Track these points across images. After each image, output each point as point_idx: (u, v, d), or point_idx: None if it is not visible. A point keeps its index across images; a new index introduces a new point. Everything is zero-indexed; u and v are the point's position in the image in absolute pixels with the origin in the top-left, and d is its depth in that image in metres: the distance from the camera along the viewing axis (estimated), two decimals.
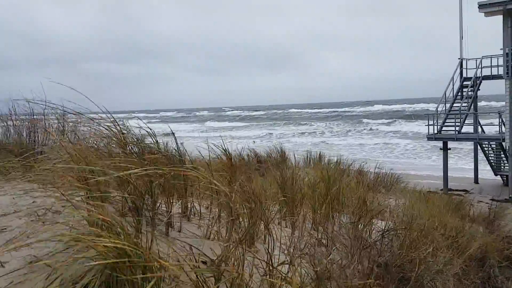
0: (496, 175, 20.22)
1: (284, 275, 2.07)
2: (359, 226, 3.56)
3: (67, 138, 3.49)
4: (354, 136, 46.85)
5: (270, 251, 2.38)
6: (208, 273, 1.75)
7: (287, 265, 2.25)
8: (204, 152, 3.22)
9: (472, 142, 20.77)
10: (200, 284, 1.64)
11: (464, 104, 19.08)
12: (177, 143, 2.75)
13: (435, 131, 18.76)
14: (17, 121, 4.62)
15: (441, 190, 16.43)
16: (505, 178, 19.55)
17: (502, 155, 19.65)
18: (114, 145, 2.53)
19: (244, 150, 9.88)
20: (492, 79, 19.16)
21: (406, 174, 10.88)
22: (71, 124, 3.73)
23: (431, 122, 18.81)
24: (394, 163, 22.88)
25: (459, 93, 19.68)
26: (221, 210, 2.61)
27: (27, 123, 4.55)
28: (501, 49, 16.94)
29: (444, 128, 19.18)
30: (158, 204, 2.31)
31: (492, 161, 20.22)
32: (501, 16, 16.51)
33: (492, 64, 19.10)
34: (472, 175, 20.16)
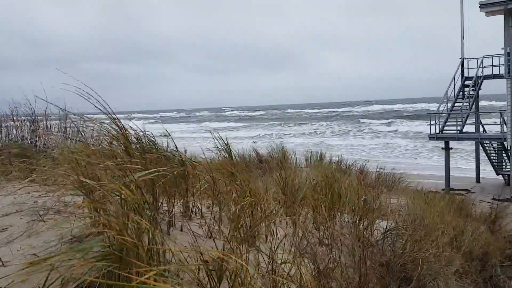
0: (497, 174, 20.19)
1: (286, 273, 2.06)
2: (361, 225, 3.55)
3: (69, 139, 3.50)
4: (354, 136, 46.83)
5: (271, 250, 2.38)
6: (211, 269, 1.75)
7: (289, 264, 2.25)
8: (204, 152, 3.22)
9: (473, 142, 20.75)
10: (203, 281, 1.63)
11: (465, 104, 19.06)
12: (175, 144, 2.75)
13: (437, 131, 18.74)
14: (19, 122, 4.63)
15: (443, 189, 16.41)
16: (506, 178, 19.53)
17: (504, 155, 19.63)
18: (116, 145, 2.53)
19: (245, 150, 9.88)
20: (493, 78, 19.14)
21: (407, 173, 10.87)
22: (72, 124, 3.74)
23: (432, 122, 18.80)
24: (395, 163, 22.86)
25: (461, 93, 19.66)
26: (222, 209, 2.61)
27: (28, 123, 4.56)
28: (502, 48, 16.92)
29: (445, 128, 19.17)
30: (159, 203, 2.31)
31: (493, 160, 20.19)
32: (502, 15, 16.49)
33: (493, 64, 19.08)
34: (473, 174, 20.14)
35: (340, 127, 54.99)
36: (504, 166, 20.04)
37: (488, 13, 16.81)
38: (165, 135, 2.85)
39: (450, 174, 18.10)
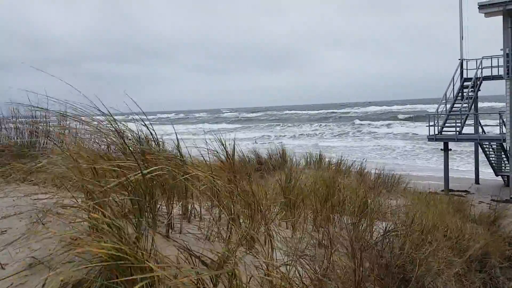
0: (497, 175, 20.21)
1: (284, 275, 2.06)
2: (360, 227, 3.55)
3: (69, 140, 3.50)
4: (354, 137, 46.86)
5: (270, 252, 2.38)
6: (207, 275, 1.75)
7: (288, 266, 2.25)
8: (201, 153, 3.22)
9: (472, 143, 20.77)
10: (199, 284, 1.64)
11: (464, 105, 19.08)
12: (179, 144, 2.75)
13: (436, 132, 18.76)
14: (19, 124, 4.63)
15: (442, 190, 16.42)
16: (506, 179, 19.54)
17: (503, 156, 19.65)
18: (114, 147, 2.53)
19: (244, 151, 9.88)
20: (493, 79, 19.16)
21: (406, 175, 10.87)
22: (72, 126, 3.73)
23: (431, 123, 18.81)
24: (394, 164, 22.86)
25: (460, 94, 19.68)
26: (221, 211, 2.61)
27: (28, 125, 4.55)
28: (501, 49, 16.94)
29: (444, 129, 19.18)
30: (158, 206, 2.31)
31: (493, 161, 20.20)
32: (501, 16, 16.51)
33: (493, 65, 19.11)
34: (472, 175, 20.15)
35: (340, 128, 55.00)
36: (503, 167, 20.06)
37: (487, 14, 16.84)
38: (165, 136, 2.85)
39: (449, 175, 18.10)
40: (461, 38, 19.48)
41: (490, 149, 20.12)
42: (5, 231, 1.95)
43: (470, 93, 19.23)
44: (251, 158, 10.08)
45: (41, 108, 2.80)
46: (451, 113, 19.16)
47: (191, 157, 3.07)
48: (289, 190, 3.86)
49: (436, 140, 18.91)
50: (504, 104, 17.34)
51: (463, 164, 24.51)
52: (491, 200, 14.41)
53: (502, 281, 5.99)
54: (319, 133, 52.39)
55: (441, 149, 18.86)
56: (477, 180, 19.69)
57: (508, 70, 16.34)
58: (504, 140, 17.20)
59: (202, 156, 3.07)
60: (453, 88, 19.62)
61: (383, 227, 3.75)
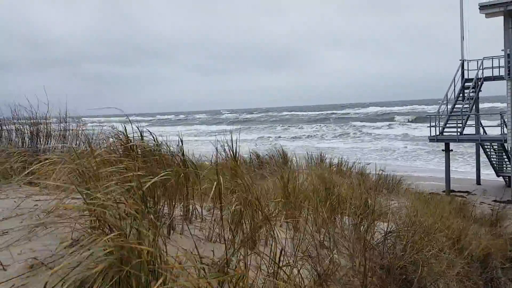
0: (498, 176, 20.17)
1: (287, 276, 2.06)
2: (362, 228, 3.55)
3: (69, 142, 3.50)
4: (354, 138, 46.82)
5: (272, 253, 2.38)
6: (212, 276, 1.75)
7: (290, 267, 2.25)
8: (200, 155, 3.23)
9: (473, 144, 20.74)
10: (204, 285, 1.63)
11: (465, 106, 19.06)
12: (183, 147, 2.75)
13: (437, 133, 18.74)
14: (20, 125, 4.63)
15: (443, 191, 16.40)
16: (507, 179, 19.51)
17: (504, 156, 19.62)
18: (118, 149, 2.53)
19: (245, 152, 9.87)
20: (494, 80, 19.14)
21: (407, 175, 10.87)
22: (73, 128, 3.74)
23: (433, 124, 18.79)
24: (394, 165, 22.85)
25: (461, 95, 19.66)
26: (223, 212, 2.61)
27: (29, 126, 4.56)
28: (502, 50, 16.93)
29: (446, 130, 19.16)
30: (160, 206, 2.31)
31: (494, 162, 20.17)
32: (502, 17, 16.51)
33: (494, 65, 19.09)
34: (474, 176, 20.12)
35: (340, 129, 54.96)
36: (504, 168, 20.03)
37: (488, 15, 16.83)
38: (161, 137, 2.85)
39: (451, 176, 18.08)
40: (462, 38, 19.47)
41: (491, 150, 20.10)
42: (7, 232, 1.95)
43: (471, 94, 19.22)
44: (252, 159, 10.08)
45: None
46: (452, 113, 19.15)
47: (192, 158, 3.07)
48: (290, 190, 3.85)
49: (437, 141, 18.89)
50: (505, 104, 17.33)
51: (464, 165, 24.48)
52: (493, 201, 14.39)
53: (504, 282, 5.98)
54: (319, 134, 52.34)
55: (442, 150, 18.84)
56: (478, 181, 19.66)
57: (509, 70, 16.33)
58: (505, 141, 17.18)
59: (202, 156, 3.07)
60: (454, 89, 19.62)
61: (384, 228, 3.74)
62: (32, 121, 4.57)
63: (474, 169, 20.36)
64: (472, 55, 19.99)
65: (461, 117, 18.58)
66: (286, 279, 2.09)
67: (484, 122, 21.44)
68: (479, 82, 19.27)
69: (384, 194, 7.50)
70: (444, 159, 18.57)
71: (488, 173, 20.45)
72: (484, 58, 19.37)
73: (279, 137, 51.93)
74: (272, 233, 2.73)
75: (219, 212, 2.64)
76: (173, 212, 2.36)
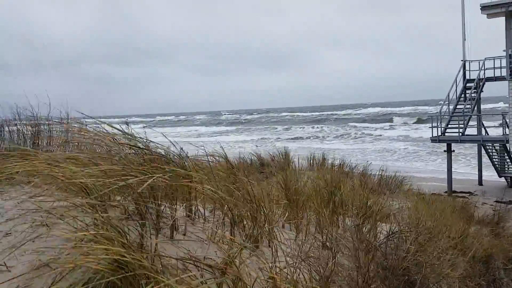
0: (500, 176, 20.15)
1: (289, 277, 2.06)
2: (364, 229, 3.54)
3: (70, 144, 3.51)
4: (355, 139, 46.79)
5: (274, 254, 2.38)
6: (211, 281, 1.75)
7: (292, 268, 2.25)
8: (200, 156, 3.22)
9: (475, 144, 20.71)
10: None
11: (467, 106, 19.04)
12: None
13: (439, 133, 18.71)
14: (21, 126, 4.65)
15: (445, 192, 16.37)
16: (509, 180, 19.49)
17: (506, 157, 19.59)
18: (116, 150, 2.53)
19: (246, 153, 9.88)
20: (495, 80, 19.13)
21: (409, 176, 10.86)
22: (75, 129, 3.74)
23: (434, 124, 18.77)
24: (396, 166, 22.83)
25: (463, 95, 19.64)
26: (225, 214, 2.61)
27: (30, 127, 4.57)
28: (504, 50, 16.92)
29: (448, 130, 19.14)
30: (162, 208, 2.31)
31: (496, 162, 20.14)
32: (504, 17, 16.50)
33: (495, 66, 19.07)
34: (476, 177, 20.08)
35: (341, 130, 54.92)
36: (506, 168, 20.00)
37: (490, 15, 16.83)
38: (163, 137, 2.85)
39: (452, 177, 18.05)
40: (464, 39, 19.46)
41: (493, 151, 20.07)
42: (10, 233, 1.95)
43: (472, 94, 19.19)
44: (253, 160, 10.08)
45: None
46: (454, 114, 19.13)
47: (193, 159, 3.07)
48: (292, 191, 3.85)
49: (439, 141, 18.88)
50: (507, 105, 17.30)
51: (465, 166, 24.44)
52: (495, 201, 14.36)
53: (506, 283, 5.97)
54: (320, 135, 52.30)
55: (444, 151, 18.82)
56: (480, 182, 19.63)
57: (510, 71, 16.32)
58: (507, 141, 17.16)
59: (205, 158, 3.07)
60: (456, 89, 19.60)
61: (387, 229, 3.74)
62: (33, 122, 4.58)
63: (476, 170, 20.34)
64: (474, 56, 20.02)
65: (463, 117, 18.56)
66: (288, 280, 2.09)
67: (486, 123, 21.41)
68: (481, 83, 19.25)
69: (387, 195, 7.49)
70: (445, 159, 18.56)
71: (490, 174, 20.43)
72: (485, 59, 19.37)
73: (280, 138, 51.92)
74: (273, 235, 2.73)
75: (221, 213, 2.64)
76: (175, 213, 2.36)
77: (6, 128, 4.68)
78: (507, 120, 17.43)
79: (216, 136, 57.90)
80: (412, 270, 3.16)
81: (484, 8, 16.73)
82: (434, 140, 18.98)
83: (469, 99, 19.16)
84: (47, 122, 4.51)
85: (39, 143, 4.37)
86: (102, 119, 2.61)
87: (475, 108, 19.39)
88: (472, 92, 19.18)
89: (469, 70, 19.88)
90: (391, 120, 59.43)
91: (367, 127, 55.17)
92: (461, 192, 16.88)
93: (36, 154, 2.30)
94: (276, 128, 65.19)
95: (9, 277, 1.55)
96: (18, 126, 4.67)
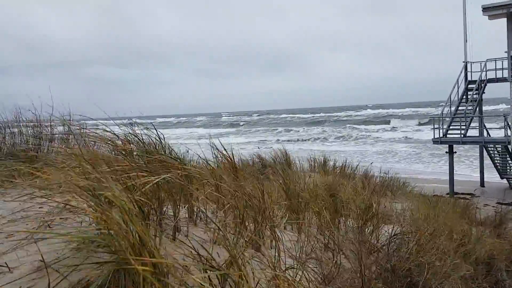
0: (502, 178, 20.10)
1: (291, 279, 2.05)
2: (366, 230, 3.54)
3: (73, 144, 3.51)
4: (356, 140, 46.72)
5: (276, 255, 2.37)
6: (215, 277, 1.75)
7: (294, 270, 2.24)
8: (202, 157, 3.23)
9: (476, 146, 20.67)
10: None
11: (469, 107, 19.02)
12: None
13: (441, 135, 18.69)
14: (23, 127, 4.65)
15: (447, 193, 16.34)
16: (511, 181, 19.44)
17: (508, 158, 19.56)
18: (119, 150, 2.54)
19: (247, 155, 9.87)
20: (497, 82, 19.11)
21: (411, 178, 10.85)
22: (76, 130, 3.74)
23: (436, 126, 18.75)
24: (398, 167, 22.80)
25: (464, 97, 19.62)
26: (227, 215, 2.60)
27: (32, 129, 4.58)
28: (505, 52, 16.91)
29: (449, 132, 19.11)
30: (164, 209, 2.31)
31: (498, 164, 20.10)
32: (505, 19, 16.48)
33: (497, 67, 19.05)
34: (477, 178, 20.05)
35: (342, 132, 54.86)
36: (508, 170, 19.96)
37: (491, 17, 16.82)
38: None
39: (454, 178, 18.01)
40: (465, 40, 19.43)
41: (495, 152, 20.03)
42: (12, 234, 1.95)
43: (474, 96, 19.17)
44: (255, 161, 10.08)
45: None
46: (456, 115, 19.10)
47: (194, 161, 3.08)
48: (294, 193, 3.85)
49: (441, 143, 18.84)
50: (509, 106, 17.28)
51: (467, 167, 24.39)
52: (497, 203, 14.33)
53: (508, 285, 5.94)
54: (321, 137, 52.24)
55: (446, 152, 18.79)
56: (482, 183, 19.60)
57: None
58: (509, 143, 17.13)
59: (206, 160, 3.07)
60: (458, 91, 19.58)
61: (389, 230, 3.73)
62: (35, 123, 4.59)
63: (478, 172, 20.30)
64: (475, 57, 19.96)
65: (464, 119, 18.53)
66: (290, 281, 2.08)
67: (487, 125, 21.38)
68: (483, 84, 19.23)
69: (389, 196, 7.47)
70: (447, 161, 18.53)
71: (492, 175, 20.39)
72: (487, 60, 19.34)
73: (280, 139, 51.85)
74: (275, 236, 2.73)
75: (223, 214, 2.63)
76: (178, 214, 2.36)
77: (8, 130, 4.69)
78: (509, 122, 17.40)
79: (217, 137, 57.80)
80: (414, 272, 3.15)
81: (485, 9, 16.71)
82: (436, 141, 18.95)
83: (471, 101, 19.15)
84: (48, 124, 4.52)
85: (41, 144, 4.38)
86: (102, 121, 2.61)
87: (477, 109, 19.37)
88: (474, 93, 19.16)
89: (471, 72, 19.86)
90: (392, 122, 59.40)
91: (368, 129, 55.12)
92: (463, 193, 16.85)
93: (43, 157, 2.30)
94: (277, 130, 65.16)
95: (12, 278, 1.55)
96: (20, 128, 4.67)
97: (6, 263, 1.64)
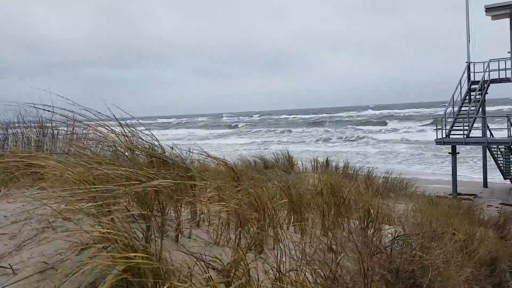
0: (505, 179, 20.02)
1: (294, 280, 2.05)
2: (369, 231, 3.53)
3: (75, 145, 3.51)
4: (358, 141, 46.60)
5: (279, 257, 2.37)
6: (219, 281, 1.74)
7: (297, 271, 2.24)
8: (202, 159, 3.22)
9: (479, 146, 20.61)
10: None
11: (472, 108, 18.96)
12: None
13: (444, 136, 18.63)
14: (25, 128, 4.66)
15: (450, 194, 16.29)
16: None
17: (511, 159, 19.49)
18: (121, 151, 2.53)
19: (248, 156, 9.87)
20: (500, 82, 19.04)
21: (414, 179, 10.83)
22: (78, 131, 3.75)
23: (439, 126, 18.69)
24: (400, 168, 22.74)
25: (467, 97, 19.56)
26: (230, 217, 2.60)
27: (35, 130, 4.58)
28: (508, 52, 16.86)
29: (452, 132, 19.06)
30: (167, 211, 2.31)
31: (501, 165, 20.03)
32: (508, 19, 16.44)
33: (500, 68, 18.99)
34: (481, 179, 19.98)
35: (343, 133, 54.76)
36: (511, 170, 19.89)
37: (494, 17, 16.78)
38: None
39: (457, 179, 17.95)
40: (468, 41, 19.38)
41: (498, 153, 19.96)
42: (15, 236, 1.95)
43: (477, 96, 19.11)
44: (257, 162, 10.08)
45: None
46: (459, 116, 19.05)
47: (195, 161, 3.07)
48: (296, 194, 3.84)
49: (444, 143, 18.78)
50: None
51: (470, 168, 24.32)
52: (500, 203, 14.28)
53: None
54: (323, 138, 52.15)
55: (449, 153, 18.74)
56: (485, 184, 19.53)
57: None
58: None
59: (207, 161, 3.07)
60: (461, 91, 19.52)
61: (392, 231, 3.72)
62: (37, 124, 4.59)
63: (481, 172, 20.24)
64: (478, 57, 19.91)
65: (467, 119, 18.47)
66: (293, 283, 2.08)
67: (491, 125, 21.31)
68: (485, 85, 19.17)
69: (392, 197, 7.46)
70: (450, 162, 18.47)
71: (495, 176, 20.32)
72: (490, 60, 19.28)
73: (281, 140, 51.78)
74: (278, 237, 2.72)
75: (225, 216, 2.63)
76: (180, 216, 2.35)
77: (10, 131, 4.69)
78: None
79: (218, 138, 58.02)
80: (418, 273, 3.14)
81: (488, 9, 16.68)
82: (438, 142, 18.89)
83: (474, 101, 19.09)
84: (51, 124, 4.52)
85: (43, 145, 4.39)
86: (102, 121, 2.61)
87: (480, 110, 19.31)
88: (477, 94, 19.10)
89: (474, 72, 19.80)
90: (393, 123, 59.30)
91: (370, 129, 55.00)
92: (466, 194, 16.79)
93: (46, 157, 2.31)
94: (278, 130, 65.07)
95: (15, 279, 1.55)
96: (22, 129, 4.68)
97: (10, 264, 1.64)
